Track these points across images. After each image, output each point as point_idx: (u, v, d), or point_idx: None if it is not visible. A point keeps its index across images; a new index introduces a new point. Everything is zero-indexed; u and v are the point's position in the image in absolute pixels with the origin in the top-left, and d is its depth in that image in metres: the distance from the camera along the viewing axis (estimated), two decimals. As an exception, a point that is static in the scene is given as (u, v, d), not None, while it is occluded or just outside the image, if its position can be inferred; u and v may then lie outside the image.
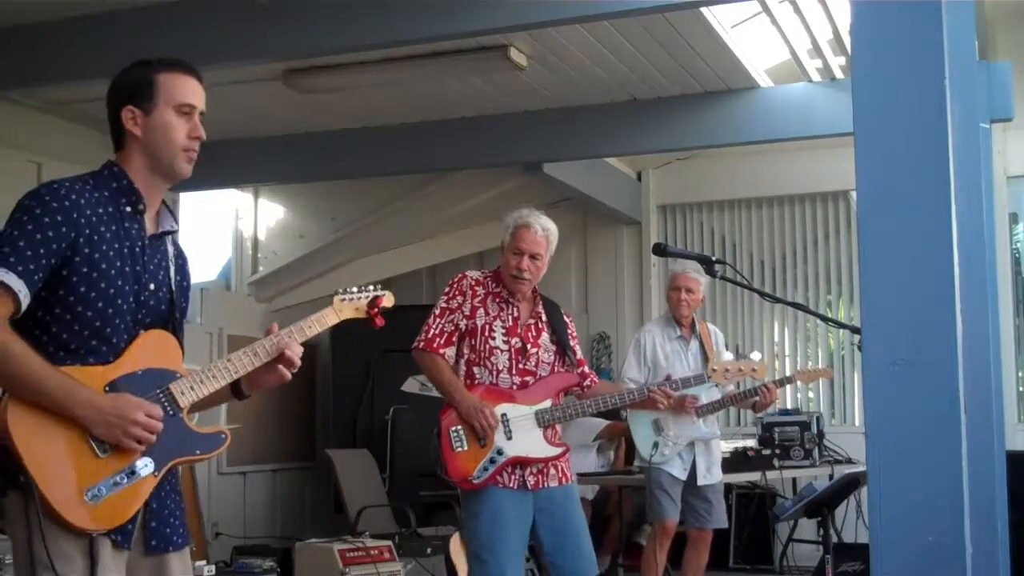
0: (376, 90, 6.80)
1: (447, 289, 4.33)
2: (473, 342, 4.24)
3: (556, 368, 4.36)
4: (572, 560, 4.17)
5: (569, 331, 4.47)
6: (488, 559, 4.06)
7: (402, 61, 6.27)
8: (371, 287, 2.94)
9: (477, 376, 4.23)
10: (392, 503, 7.64)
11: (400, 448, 8.10)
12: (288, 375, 2.67)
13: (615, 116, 7.19)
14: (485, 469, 4.10)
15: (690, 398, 5.68)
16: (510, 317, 4.29)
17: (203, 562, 6.40)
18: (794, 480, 7.37)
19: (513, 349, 4.25)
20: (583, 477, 7.64)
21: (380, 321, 2.92)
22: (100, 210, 2.48)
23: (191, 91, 2.59)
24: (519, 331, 4.29)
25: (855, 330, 3.73)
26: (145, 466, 2.43)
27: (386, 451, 8.16)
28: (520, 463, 4.17)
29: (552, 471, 4.24)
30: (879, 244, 1.96)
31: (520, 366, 4.26)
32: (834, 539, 5.55)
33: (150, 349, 2.52)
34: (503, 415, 4.18)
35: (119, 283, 2.47)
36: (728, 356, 6.08)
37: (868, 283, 1.97)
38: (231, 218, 9.60)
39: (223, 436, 2.59)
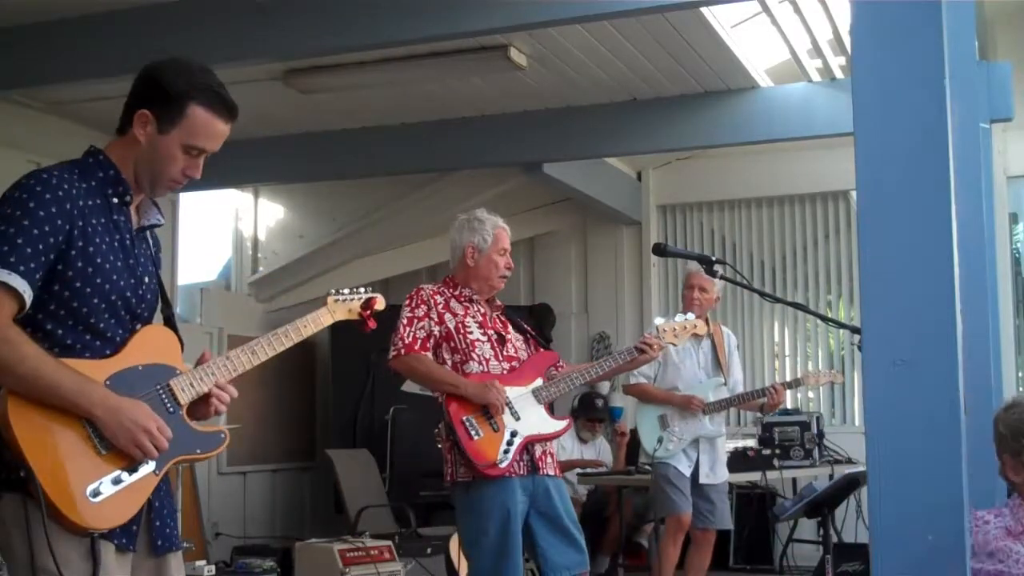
0: (376, 90, 6.79)
1: (407, 302, 4.28)
2: (452, 343, 4.23)
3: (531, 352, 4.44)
4: (567, 553, 4.14)
5: (524, 325, 4.55)
6: (503, 553, 4.01)
7: (402, 61, 6.26)
8: (363, 289, 2.88)
9: (468, 370, 4.21)
10: (392, 503, 7.64)
11: (400, 448, 8.10)
12: (220, 407, 2.53)
13: (615, 116, 7.19)
14: (506, 452, 4.06)
15: (697, 398, 5.71)
16: (478, 313, 4.33)
17: (203, 562, 6.40)
18: (794, 480, 7.37)
19: (491, 340, 4.30)
20: (581, 477, 7.67)
21: (372, 323, 2.87)
22: (90, 201, 2.35)
23: (213, 136, 2.46)
24: (490, 324, 4.34)
25: (855, 330, 3.72)
26: (146, 464, 2.34)
27: (386, 451, 8.15)
28: (530, 443, 4.15)
29: (549, 459, 4.25)
30: (879, 244, 1.96)
31: (504, 353, 4.30)
32: (834, 539, 5.54)
33: (150, 344, 2.43)
34: (495, 382, 4.18)
35: (114, 277, 2.36)
36: (738, 359, 6.13)
37: (868, 283, 1.97)
38: (231, 218, 9.60)
39: (222, 435, 2.51)
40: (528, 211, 8.91)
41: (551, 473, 4.22)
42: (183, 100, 2.41)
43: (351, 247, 9.19)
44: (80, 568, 2.24)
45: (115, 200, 2.42)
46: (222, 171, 8.01)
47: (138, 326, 2.43)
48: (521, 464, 4.11)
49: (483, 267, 4.36)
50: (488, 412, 4.11)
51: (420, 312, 4.23)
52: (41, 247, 2.25)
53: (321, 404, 9.27)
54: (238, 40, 5.53)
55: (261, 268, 9.60)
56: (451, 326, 4.24)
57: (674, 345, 4.75)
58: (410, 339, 4.19)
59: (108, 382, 2.32)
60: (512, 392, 4.18)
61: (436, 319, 4.23)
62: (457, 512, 4.22)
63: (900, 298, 1.94)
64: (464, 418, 4.10)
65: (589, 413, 7.93)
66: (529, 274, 9.46)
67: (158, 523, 2.44)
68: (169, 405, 2.41)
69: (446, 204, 8.83)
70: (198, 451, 2.48)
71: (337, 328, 9.31)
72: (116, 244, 2.39)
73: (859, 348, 2.45)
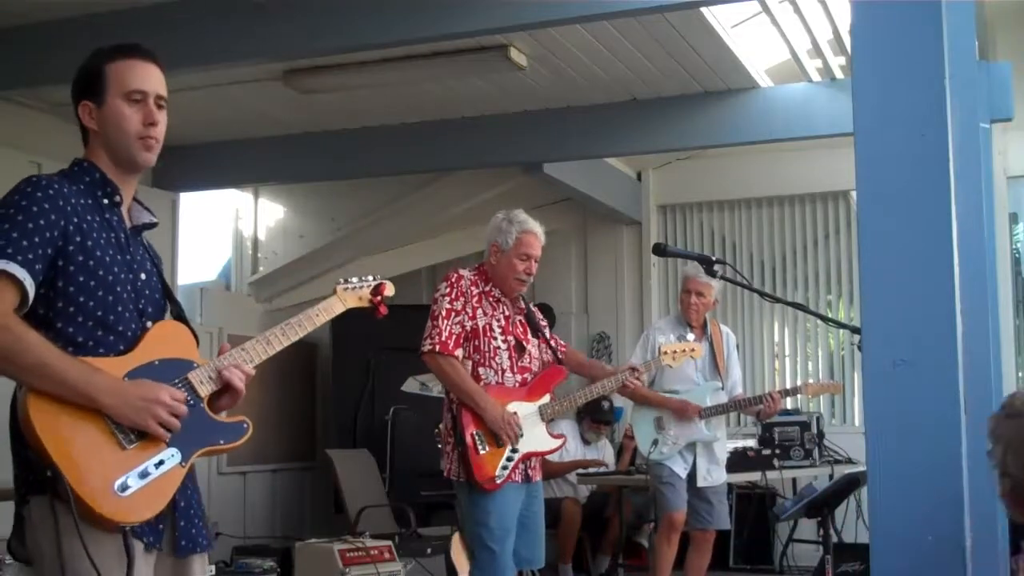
0: (376, 90, 6.79)
1: (447, 290, 4.38)
2: (477, 343, 4.34)
3: (544, 361, 4.57)
4: (531, 550, 4.41)
5: (538, 318, 4.64)
6: (498, 550, 4.25)
7: (402, 61, 6.26)
8: (370, 276, 2.88)
9: (483, 377, 4.34)
10: (392, 503, 7.64)
11: (400, 448, 8.09)
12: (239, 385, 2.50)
13: (615, 116, 7.19)
14: (504, 468, 4.27)
15: (692, 405, 5.70)
16: (502, 316, 4.43)
17: (203, 562, 6.38)
18: (794, 480, 7.37)
19: (511, 347, 4.40)
20: (580, 478, 7.66)
21: (384, 309, 2.86)
22: (83, 201, 2.40)
23: (142, 76, 2.48)
24: (511, 329, 4.44)
25: (855, 330, 3.72)
26: (172, 456, 2.34)
27: (386, 451, 8.15)
28: (527, 457, 4.36)
29: (538, 465, 4.49)
30: (879, 244, 1.96)
31: (519, 364, 4.42)
32: (834, 539, 5.54)
33: (164, 339, 2.45)
34: (514, 415, 4.34)
35: (115, 271, 2.39)
36: (736, 358, 6.13)
37: (868, 283, 1.97)
38: (231, 218, 9.60)
39: (245, 425, 2.50)
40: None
41: (538, 478, 4.51)
42: (100, 68, 2.47)
43: (351, 247, 9.19)
44: (114, 566, 2.23)
45: (105, 201, 2.46)
46: (222, 171, 8.10)
47: (148, 323, 2.44)
48: (517, 472, 4.33)
49: (502, 267, 4.49)
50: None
51: (459, 305, 4.35)
52: (38, 240, 2.28)
53: (321, 404, 9.27)
54: (238, 40, 5.54)
55: (261, 268, 9.61)
56: (480, 324, 4.36)
57: (671, 367, 4.93)
58: (446, 335, 4.29)
59: (126, 379, 2.32)
60: (523, 408, 4.36)
61: (470, 313, 4.35)
62: (459, 503, 4.45)
63: (900, 298, 1.95)
64: (475, 432, 4.28)
65: (596, 415, 7.93)
66: (529, 274, 9.45)
67: (183, 523, 2.43)
68: (190, 398, 2.40)
69: (446, 204, 8.85)
70: (221, 441, 2.46)
71: (337, 328, 9.25)
72: (113, 240, 2.42)
73: (859, 348, 2.45)
